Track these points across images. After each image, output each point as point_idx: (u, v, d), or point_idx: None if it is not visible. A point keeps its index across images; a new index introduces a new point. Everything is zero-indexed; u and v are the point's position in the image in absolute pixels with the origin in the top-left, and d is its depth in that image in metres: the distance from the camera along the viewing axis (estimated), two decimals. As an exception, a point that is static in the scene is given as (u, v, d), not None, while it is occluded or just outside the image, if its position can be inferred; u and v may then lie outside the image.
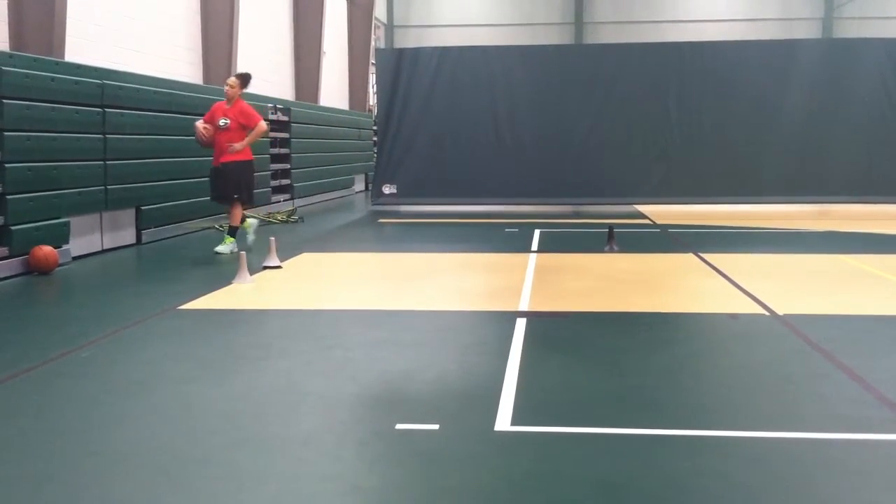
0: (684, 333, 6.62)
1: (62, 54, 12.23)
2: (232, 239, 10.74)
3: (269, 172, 17.26)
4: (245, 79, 10.88)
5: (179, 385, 5.04)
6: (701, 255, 10.32)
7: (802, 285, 8.40)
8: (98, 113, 10.66)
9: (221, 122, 10.58)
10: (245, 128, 10.66)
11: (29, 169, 9.36)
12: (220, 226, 13.76)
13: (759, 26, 35.94)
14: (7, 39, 11.92)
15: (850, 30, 35.40)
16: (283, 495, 3.50)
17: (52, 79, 9.87)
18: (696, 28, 35.64)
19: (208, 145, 10.77)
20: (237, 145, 10.54)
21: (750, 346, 6.10)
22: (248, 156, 10.77)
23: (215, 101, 14.66)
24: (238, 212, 10.78)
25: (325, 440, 4.13)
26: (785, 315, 6.91)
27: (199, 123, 10.67)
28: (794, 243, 11.77)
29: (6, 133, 9.00)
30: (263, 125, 10.75)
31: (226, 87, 10.73)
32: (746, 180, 17.34)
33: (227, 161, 10.56)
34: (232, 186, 10.65)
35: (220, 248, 10.60)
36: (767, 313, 7.02)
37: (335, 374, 5.30)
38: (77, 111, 10.27)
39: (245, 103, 10.84)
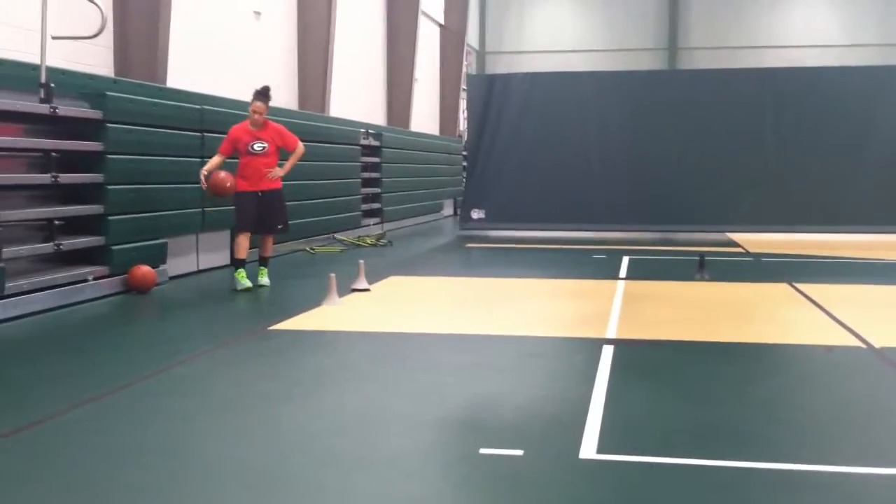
0: (777, 365, 6.47)
1: (164, 80, 12.65)
2: (265, 270, 10.09)
3: (359, 196, 17.49)
4: (269, 97, 9.85)
5: (269, 404, 5.14)
6: (795, 285, 10.08)
7: (902, 318, 8.14)
8: (198, 137, 10.98)
9: (257, 146, 9.69)
10: (279, 150, 10.00)
11: (130, 191, 9.68)
12: (312, 248, 14.01)
13: (857, 52, 35.04)
14: (112, 65, 12.39)
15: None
16: (367, 516, 3.54)
17: (154, 104, 10.21)
18: (792, 53, 34.95)
19: (212, 194, 9.69)
20: (279, 171, 9.85)
21: (846, 380, 5.93)
22: (280, 183, 9.98)
23: (309, 125, 15.00)
24: (270, 243, 10.18)
25: (409, 462, 4.15)
26: (882, 348, 6.70)
27: (204, 171, 9.63)
28: (893, 275, 11.41)
29: (109, 156, 9.33)
30: (302, 147, 10.09)
31: (255, 116, 9.69)
32: (843, 209, 16.85)
33: (271, 189, 9.81)
34: (278, 216, 10.00)
35: (262, 281, 9.93)
36: (864, 346, 6.81)
37: (421, 396, 5.33)
38: (177, 135, 10.59)
39: (277, 124, 10.13)
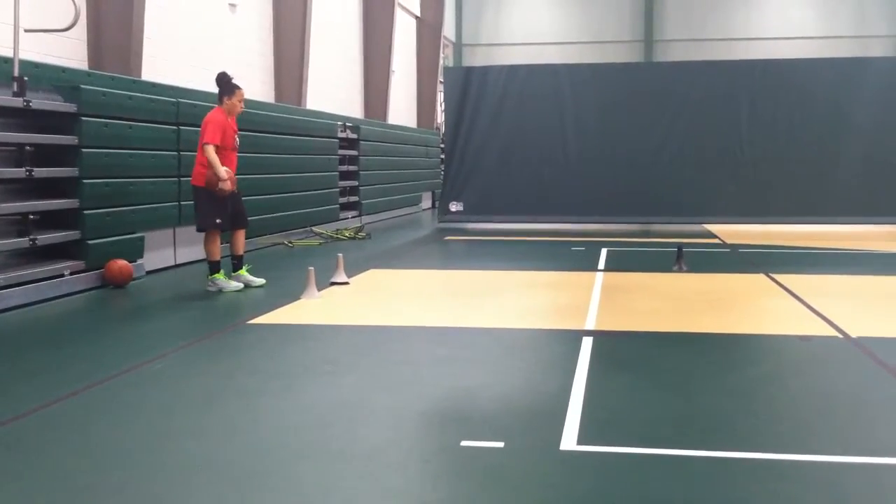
0: (755, 355, 6.51)
1: (139, 73, 12.55)
2: (245, 271, 9.52)
3: (337, 189, 17.45)
4: None
5: (248, 398, 5.12)
6: (772, 275, 10.15)
7: (876, 308, 8.21)
8: (173, 130, 10.90)
9: (238, 140, 9.32)
10: None
11: (105, 185, 9.60)
12: (290, 242, 13.96)
13: (832, 44, 35.27)
14: (86, 58, 12.28)
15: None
16: (348, 509, 3.53)
17: (129, 97, 10.13)
18: (768, 46, 35.14)
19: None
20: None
21: (822, 369, 5.98)
22: None
23: (286, 118, 14.94)
24: (243, 238, 9.58)
25: (390, 455, 4.15)
26: (858, 338, 6.75)
27: (225, 173, 8.92)
28: (868, 264, 11.51)
29: (84, 150, 9.25)
30: None
31: (240, 105, 9.26)
32: (818, 200, 16.98)
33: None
34: (244, 210, 9.57)
35: (226, 285, 9.22)
36: (840, 336, 6.87)
37: (401, 389, 5.32)
38: (153, 129, 10.51)
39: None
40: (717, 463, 4.04)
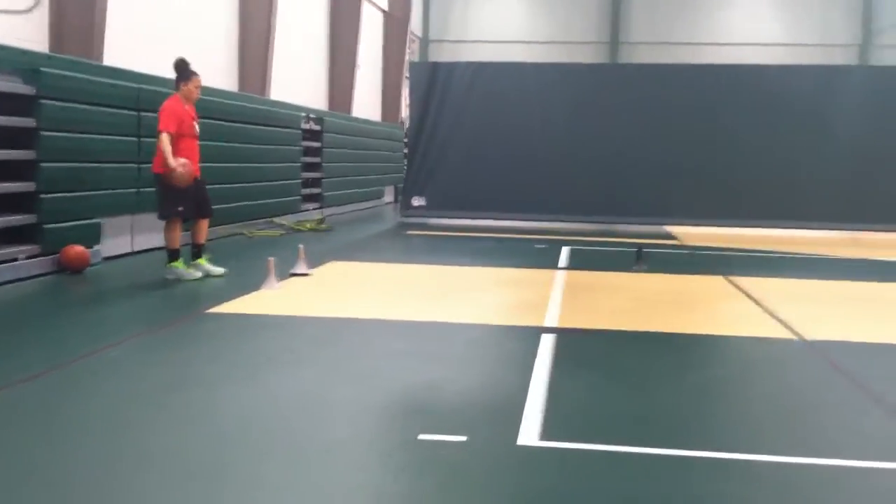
0: (713, 356, 6.57)
1: (101, 57, 12.39)
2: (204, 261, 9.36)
3: (299, 181, 17.35)
4: None
5: (207, 388, 5.06)
6: (729, 277, 10.24)
7: (833, 311, 8.31)
8: (134, 116, 10.77)
9: (197, 127, 9.20)
10: None
11: (63, 169, 9.46)
12: (250, 232, 13.85)
13: (797, 51, 35.74)
14: (47, 41, 12.09)
15: (887, 57, 35.12)
16: (307, 502, 3.49)
17: (90, 81, 9.99)
18: (733, 51, 35.51)
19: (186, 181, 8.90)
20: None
21: (778, 371, 6.04)
22: None
23: (249, 108, 14.82)
24: (206, 228, 9.47)
25: (350, 449, 4.12)
26: (814, 341, 6.83)
27: (177, 164, 8.72)
28: (826, 269, 11.66)
29: (43, 132, 9.11)
30: None
31: (197, 92, 9.18)
32: (778, 205, 17.18)
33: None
34: (209, 199, 9.48)
35: (185, 274, 9.08)
36: (796, 339, 6.95)
37: (361, 382, 5.30)
38: (113, 114, 10.38)
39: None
40: (673, 461, 4.07)
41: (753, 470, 4.00)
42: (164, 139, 8.68)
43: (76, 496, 3.49)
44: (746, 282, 9.91)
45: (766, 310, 8.18)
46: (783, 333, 7.15)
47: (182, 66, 9.11)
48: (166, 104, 8.95)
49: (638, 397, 5.17)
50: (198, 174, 9.18)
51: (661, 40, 37.62)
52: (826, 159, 17.22)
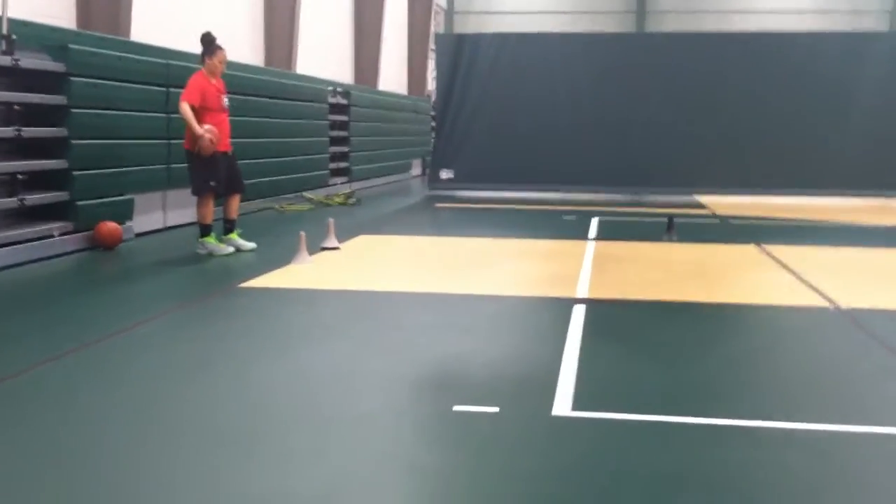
0: (746, 325, 6.52)
1: (128, 33, 12.42)
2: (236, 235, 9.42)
3: (327, 155, 17.36)
4: None
5: (240, 362, 5.09)
6: (763, 246, 10.16)
7: (867, 280, 8.22)
8: (163, 92, 10.80)
9: (226, 101, 9.21)
10: None
11: (94, 146, 9.51)
12: (280, 207, 13.90)
13: (826, 17, 35.19)
14: (74, 18, 12.13)
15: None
16: (340, 473, 3.52)
17: (119, 58, 10.01)
18: (761, 19, 35.03)
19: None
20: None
21: (813, 340, 5.99)
22: None
23: (276, 82, 14.81)
24: (237, 203, 9.50)
25: (383, 420, 4.14)
26: (849, 309, 6.77)
27: (209, 132, 8.75)
28: (859, 237, 11.54)
29: (73, 110, 9.16)
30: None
31: (221, 66, 9.17)
32: (811, 173, 17.02)
33: (229, 147, 9.27)
34: (240, 174, 9.53)
35: (217, 249, 9.10)
36: (831, 307, 6.88)
37: (394, 355, 5.31)
38: (143, 90, 10.41)
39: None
40: (707, 430, 4.05)
41: (788, 438, 3.98)
42: (184, 108, 8.71)
43: (109, 466, 3.53)
44: (779, 250, 9.82)
45: (799, 278, 8.11)
46: (817, 301, 7.09)
47: (207, 40, 9.13)
48: (191, 78, 9.00)
49: (671, 367, 5.15)
50: (229, 149, 9.22)
51: (688, 9, 37.13)
52: (855, 126, 17.02)
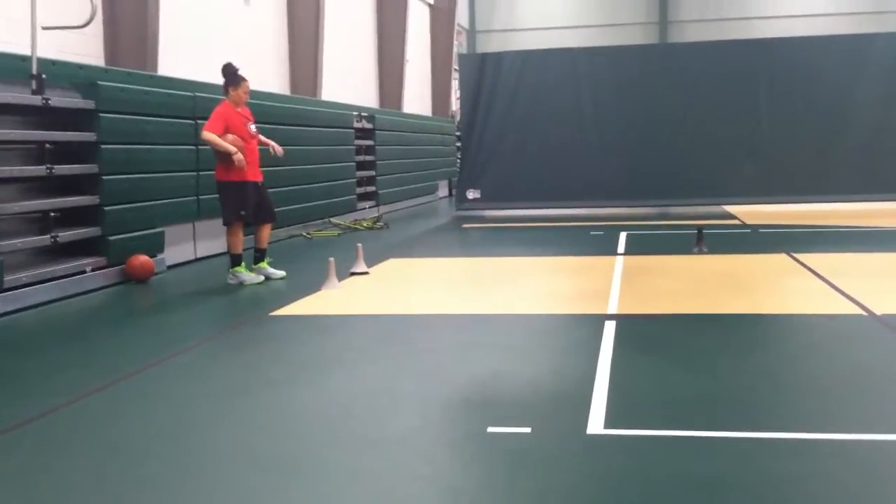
0: (780, 335, 6.48)
1: (155, 68, 12.59)
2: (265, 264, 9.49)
3: (354, 179, 17.46)
4: None
5: (274, 388, 5.14)
6: (793, 254, 10.09)
7: (902, 285, 8.15)
8: (191, 125, 10.92)
9: (253, 127, 9.28)
10: None
11: (125, 180, 9.64)
12: (308, 233, 13.98)
13: (850, 20, 34.93)
14: (102, 55, 12.32)
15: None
16: (376, 495, 3.54)
17: (146, 92, 10.15)
18: (785, 24, 34.83)
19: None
20: (279, 148, 9.52)
21: (849, 347, 5.94)
22: None
23: (302, 109, 14.95)
24: (268, 232, 9.55)
25: (418, 441, 4.16)
26: (883, 315, 6.71)
27: (237, 151, 8.85)
28: (890, 242, 11.42)
29: (103, 146, 9.29)
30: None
31: (245, 96, 9.27)
32: (838, 178, 16.83)
33: (260, 176, 9.34)
34: (271, 203, 9.56)
35: (247, 278, 9.17)
36: (865, 313, 6.82)
37: (426, 376, 5.33)
38: (170, 123, 10.54)
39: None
40: (744, 443, 4.02)
41: (827, 449, 3.95)
42: (208, 136, 8.84)
43: (151, 493, 3.57)
44: (810, 258, 9.75)
45: (832, 285, 8.05)
46: (851, 309, 7.03)
47: (230, 71, 9.22)
48: (214, 109, 9.14)
49: (705, 380, 5.13)
50: (260, 178, 9.30)
51: (710, 17, 37.04)
52: (882, 129, 16.83)
